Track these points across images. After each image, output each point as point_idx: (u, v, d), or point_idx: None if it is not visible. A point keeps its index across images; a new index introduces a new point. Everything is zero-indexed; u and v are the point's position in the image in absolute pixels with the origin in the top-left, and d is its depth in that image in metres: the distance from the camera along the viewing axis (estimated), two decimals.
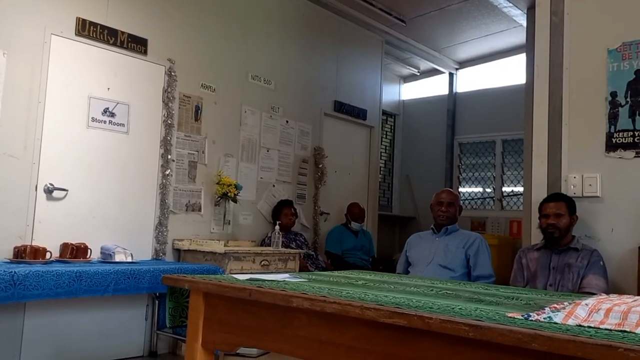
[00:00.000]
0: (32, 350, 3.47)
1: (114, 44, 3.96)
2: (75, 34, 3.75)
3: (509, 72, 7.13)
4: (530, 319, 1.17)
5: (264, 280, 1.63)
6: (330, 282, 1.77)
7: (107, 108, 3.94)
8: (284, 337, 1.42)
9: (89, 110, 3.84)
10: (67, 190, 3.68)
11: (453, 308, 1.28)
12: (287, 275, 1.85)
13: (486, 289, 1.87)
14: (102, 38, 3.89)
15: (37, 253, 3.28)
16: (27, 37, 3.52)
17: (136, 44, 4.09)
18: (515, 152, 7.15)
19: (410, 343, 1.19)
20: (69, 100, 3.73)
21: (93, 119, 3.86)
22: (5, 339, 3.37)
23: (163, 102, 4.26)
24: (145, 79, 4.17)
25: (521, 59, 6.27)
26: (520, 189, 6.92)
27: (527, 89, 3.52)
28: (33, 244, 3.40)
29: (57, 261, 3.40)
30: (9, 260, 3.23)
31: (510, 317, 1.18)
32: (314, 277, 1.92)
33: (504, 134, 7.18)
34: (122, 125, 4.02)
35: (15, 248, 3.29)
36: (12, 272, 2.79)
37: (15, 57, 3.46)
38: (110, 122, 3.95)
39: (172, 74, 4.29)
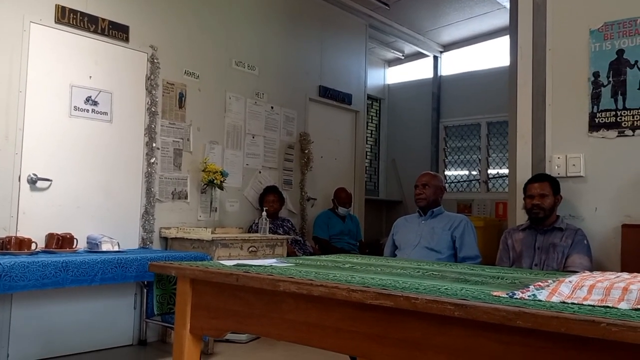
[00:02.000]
0: (20, 341, 3.46)
1: (95, 32, 3.90)
2: (55, 21, 3.69)
3: (493, 55, 7.15)
4: (515, 297, 1.19)
5: (250, 266, 1.64)
6: (317, 265, 1.78)
7: (90, 96, 3.89)
8: (272, 321, 1.42)
9: (71, 99, 3.79)
10: (51, 181, 3.65)
11: (439, 288, 1.30)
12: (274, 260, 1.85)
13: (472, 269, 1.89)
14: (82, 25, 3.82)
15: (23, 244, 3.25)
16: (5, 25, 3.46)
17: (117, 31, 4.03)
18: (500, 134, 7.19)
19: (397, 323, 1.21)
20: (50, 89, 3.68)
21: (75, 108, 3.81)
22: None
23: (146, 89, 4.21)
24: (127, 66, 4.11)
25: (505, 41, 6.28)
26: (505, 170, 6.97)
27: (511, 71, 3.52)
28: (18, 235, 3.37)
29: (43, 252, 3.38)
30: None
31: (495, 296, 1.20)
32: (301, 261, 1.93)
33: (489, 117, 7.21)
34: (106, 113, 3.97)
35: None
36: None
37: None
38: (93, 110, 3.91)
39: (155, 61, 4.24)
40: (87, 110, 3.87)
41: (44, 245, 3.49)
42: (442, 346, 1.15)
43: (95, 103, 3.92)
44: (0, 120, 3.42)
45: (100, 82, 3.94)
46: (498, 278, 1.60)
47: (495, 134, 7.29)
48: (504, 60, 6.10)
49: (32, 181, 3.56)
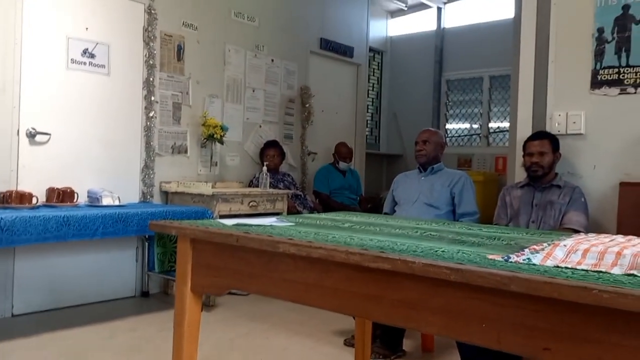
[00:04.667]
0: (24, 293, 3.54)
1: None
2: None
3: (498, 6, 6.98)
4: (510, 260, 1.21)
5: (250, 225, 1.65)
6: (317, 225, 1.80)
7: (87, 49, 3.83)
8: (272, 281, 1.45)
9: (68, 51, 3.74)
10: (50, 135, 3.64)
11: (436, 251, 1.31)
12: (274, 219, 1.87)
13: (469, 229, 1.91)
14: None
15: (24, 198, 3.28)
16: None
17: None
18: (502, 88, 7.12)
19: (395, 285, 1.23)
20: (46, 41, 3.62)
21: (72, 61, 3.76)
22: None
23: (144, 41, 4.15)
24: (124, 17, 4.04)
25: None
26: (506, 124, 6.93)
27: (515, 24, 3.45)
28: (18, 189, 3.39)
29: (44, 206, 3.41)
30: None
31: (491, 259, 1.22)
32: (300, 220, 1.95)
33: (492, 70, 7.12)
34: (103, 66, 3.93)
35: (1, 194, 3.28)
36: None
37: None
38: (90, 63, 3.86)
39: (152, 12, 4.16)
40: (84, 63, 3.83)
41: (45, 200, 3.51)
42: (438, 307, 1.18)
43: (92, 55, 3.86)
44: None
45: (97, 34, 3.88)
46: (495, 239, 1.62)
47: (498, 88, 7.21)
48: (508, 13, 5.98)
49: (31, 135, 3.56)
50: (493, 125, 7.28)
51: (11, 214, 2.89)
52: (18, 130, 3.50)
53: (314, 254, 1.30)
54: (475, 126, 7.45)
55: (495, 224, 3.09)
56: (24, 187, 3.43)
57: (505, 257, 1.23)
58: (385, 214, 3.44)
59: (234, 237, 1.47)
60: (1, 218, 2.80)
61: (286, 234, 1.50)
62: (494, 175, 6.66)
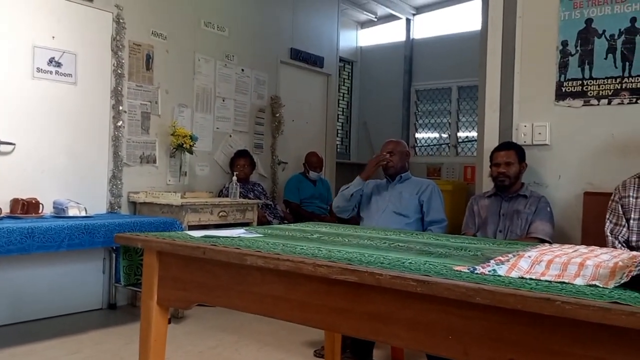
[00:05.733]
0: None
1: None
2: None
3: (466, 18, 7.11)
4: (475, 272, 1.22)
5: (218, 237, 1.64)
6: (286, 236, 1.79)
7: (53, 57, 3.76)
8: (239, 294, 1.44)
9: (34, 60, 3.66)
10: (14, 144, 3.55)
11: (403, 262, 1.32)
12: (242, 230, 1.86)
13: (437, 239, 1.93)
14: None
15: None
16: None
17: None
18: (470, 99, 7.23)
19: (362, 298, 1.23)
20: (11, 49, 3.54)
21: (38, 70, 3.69)
22: None
23: (112, 50, 4.09)
24: (92, 26, 3.97)
25: (478, 4, 6.25)
26: (475, 134, 7.04)
27: (482, 36, 3.52)
28: None
29: (8, 217, 3.32)
30: None
31: (457, 271, 1.23)
32: (269, 231, 1.94)
33: (460, 81, 7.23)
34: (70, 75, 3.85)
35: None
36: None
37: None
38: (56, 72, 3.79)
39: (121, 21, 4.10)
40: (51, 72, 3.75)
41: (8, 211, 3.42)
42: (406, 320, 1.18)
43: (58, 64, 3.79)
44: None
45: (64, 43, 3.81)
46: (462, 249, 1.64)
47: (466, 98, 7.33)
48: (476, 24, 6.09)
49: None
50: (462, 135, 7.39)
51: None
52: None
53: (282, 266, 1.30)
54: (444, 136, 7.55)
55: (463, 233, 3.13)
56: None
57: (471, 269, 1.25)
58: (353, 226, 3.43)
59: (200, 249, 1.45)
60: None
61: (254, 246, 1.49)
62: (463, 185, 6.76)
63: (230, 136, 5.16)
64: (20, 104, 3.59)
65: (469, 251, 1.61)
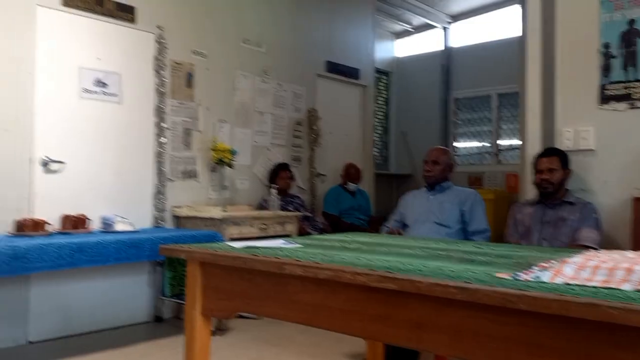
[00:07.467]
0: (39, 320, 3.55)
1: (101, 13, 3.90)
2: (61, 3, 3.69)
3: (504, 24, 7.03)
4: (518, 279, 1.20)
5: (258, 248, 1.66)
6: (325, 246, 1.80)
7: (99, 78, 3.90)
8: (280, 303, 1.45)
9: (80, 80, 3.81)
10: (63, 163, 3.69)
11: (443, 270, 1.31)
12: (282, 241, 1.88)
13: (479, 247, 1.90)
14: (88, 7, 3.82)
15: (38, 226, 3.32)
16: (12, 9, 3.46)
17: (124, 12, 4.02)
18: (511, 105, 7.11)
19: (402, 305, 1.23)
20: (59, 71, 3.70)
21: (85, 90, 3.83)
22: (13, 311, 3.44)
23: (154, 70, 4.22)
24: (135, 47, 4.12)
25: (515, 10, 6.17)
26: (516, 141, 6.92)
27: (521, 43, 3.47)
28: (33, 216, 3.43)
29: (58, 233, 3.44)
30: (10, 234, 3.27)
31: (499, 278, 1.21)
32: (309, 242, 1.95)
33: (500, 88, 7.13)
34: (115, 95, 3.99)
35: (15, 222, 3.32)
36: (14, 245, 2.83)
37: (2, 30, 3.41)
38: (102, 92, 3.93)
39: (162, 41, 4.24)
40: (97, 92, 3.90)
41: (59, 227, 3.55)
42: (445, 326, 1.17)
43: (104, 85, 3.93)
44: (10, 103, 3.46)
45: (109, 64, 3.96)
46: (504, 257, 1.61)
47: (507, 105, 7.21)
48: (515, 30, 6.01)
49: (45, 163, 3.61)
50: (503, 142, 7.27)
51: (26, 242, 2.93)
52: (32, 159, 3.55)
53: (321, 275, 1.31)
54: (485, 144, 7.44)
55: (506, 242, 3.06)
56: (38, 215, 3.47)
57: (514, 275, 1.23)
58: (387, 229, 3.41)
59: (241, 259, 1.48)
60: (16, 246, 2.83)
61: (293, 255, 1.51)
62: (505, 193, 6.62)
63: (269, 150, 5.22)
64: (68, 124, 3.74)
65: (512, 259, 1.58)
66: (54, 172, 3.67)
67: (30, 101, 3.55)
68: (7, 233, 3.30)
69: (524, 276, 1.22)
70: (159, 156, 4.23)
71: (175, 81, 4.37)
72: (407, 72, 8.04)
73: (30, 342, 3.51)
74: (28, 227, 3.28)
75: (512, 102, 7.02)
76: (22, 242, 2.90)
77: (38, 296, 3.56)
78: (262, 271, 1.45)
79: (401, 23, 7.74)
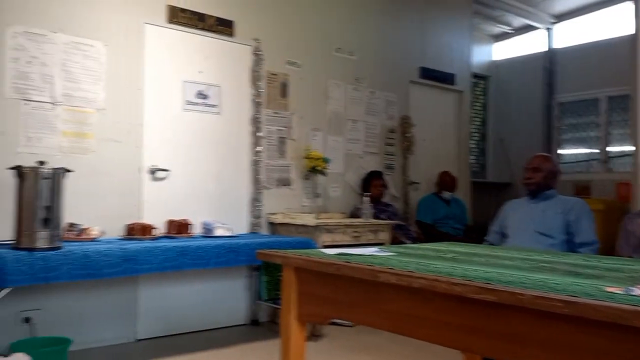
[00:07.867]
0: (147, 319, 3.78)
1: (203, 29, 4.11)
2: (167, 21, 3.93)
3: (613, 23, 6.57)
4: (631, 293, 1.11)
5: (351, 255, 1.66)
6: (419, 255, 1.77)
7: (200, 91, 4.11)
8: (372, 311, 1.44)
9: (184, 93, 4.03)
10: (169, 171, 3.92)
11: (547, 283, 1.24)
12: (375, 249, 1.87)
13: (586, 260, 1.78)
14: (191, 23, 4.04)
15: (146, 230, 3.54)
16: (123, 28, 3.74)
17: (223, 27, 4.21)
18: (621, 109, 6.62)
19: (500, 317, 1.18)
20: (165, 85, 3.94)
21: (188, 102, 4.05)
22: (123, 311, 3.69)
23: (251, 81, 4.38)
24: (233, 60, 4.30)
25: (626, 7, 5.76)
26: (628, 148, 6.42)
27: (634, 41, 3.22)
28: (142, 221, 3.67)
29: (164, 237, 3.65)
30: (121, 238, 3.51)
31: (609, 292, 1.13)
32: (402, 250, 1.93)
33: (609, 90, 6.66)
34: (215, 106, 4.19)
35: (126, 226, 3.56)
36: (124, 248, 3.04)
37: (114, 47, 3.70)
38: (204, 103, 4.14)
39: (259, 53, 4.39)
40: (199, 104, 4.10)
41: (164, 231, 3.76)
42: (546, 341, 1.11)
43: (205, 97, 4.14)
44: (122, 116, 3.73)
45: (209, 77, 4.16)
46: (615, 270, 1.50)
47: (617, 109, 6.72)
48: (626, 28, 5.60)
49: (153, 172, 3.85)
50: (613, 149, 6.78)
51: (135, 245, 3.13)
52: (141, 168, 3.80)
53: (415, 284, 1.28)
54: (593, 151, 6.98)
55: (617, 256, 2.85)
56: (146, 220, 3.70)
57: (626, 290, 1.14)
58: (489, 243, 3.29)
59: (334, 266, 1.49)
60: (126, 248, 3.04)
61: (387, 263, 1.49)
62: (616, 204, 6.15)
63: (361, 157, 5.22)
64: (173, 135, 3.97)
65: (624, 272, 1.46)
66: (160, 179, 3.90)
67: (140, 114, 3.80)
68: (118, 237, 3.55)
69: (637, 291, 1.12)
70: (255, 164, 4.38)
71: (270, 91, 4.50)
72: (506, 76, 7.74)
73: (138, 340, 3.74)
74: (137, 231, 3.51)
75: (623, 105, 6.53)
76: (132, 245, 3.10)
77: (145, 297, 3.79)
78: (354, 278, 1.45)
79: (500, 25, 7.47)
